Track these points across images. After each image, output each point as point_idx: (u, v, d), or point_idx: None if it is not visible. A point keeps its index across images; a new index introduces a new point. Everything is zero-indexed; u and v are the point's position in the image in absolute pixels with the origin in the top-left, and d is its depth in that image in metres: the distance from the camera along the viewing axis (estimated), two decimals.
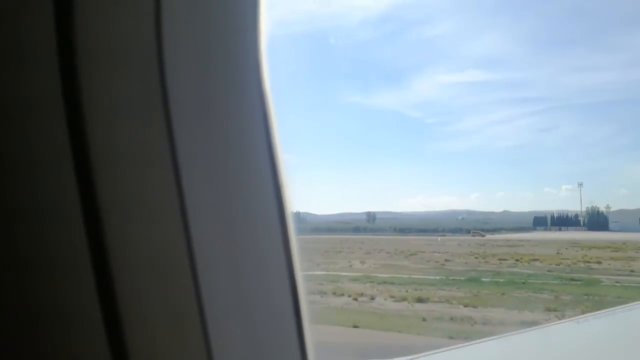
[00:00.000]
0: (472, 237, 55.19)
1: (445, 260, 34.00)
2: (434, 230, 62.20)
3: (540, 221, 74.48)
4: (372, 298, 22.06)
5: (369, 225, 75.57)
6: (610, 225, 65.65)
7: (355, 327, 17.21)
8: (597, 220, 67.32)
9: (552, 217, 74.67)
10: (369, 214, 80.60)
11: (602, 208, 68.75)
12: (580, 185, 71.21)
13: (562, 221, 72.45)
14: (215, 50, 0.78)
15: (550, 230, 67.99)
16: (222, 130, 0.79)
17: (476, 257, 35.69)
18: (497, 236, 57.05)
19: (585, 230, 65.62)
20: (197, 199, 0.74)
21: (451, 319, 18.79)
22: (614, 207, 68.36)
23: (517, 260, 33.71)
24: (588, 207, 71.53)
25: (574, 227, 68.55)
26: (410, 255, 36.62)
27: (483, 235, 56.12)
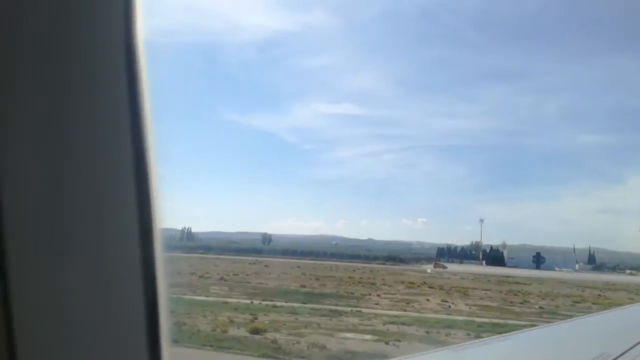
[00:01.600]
0: (435, 269, 56.51)
1: None
2: (316, 254, 63.89)
3: (442, 253, 77.09)
4: None
5: (264, 247, 76.54)
6: (507, 261, 69.54)
7: None
8: (494, 256, 70.69)
9: (451, 250, 77.93)
10: (264, 235, 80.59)
11: (495, 244, 72.91)
12: (482, 221, 74.95)
13: (463, 255, 75.61)
14: (74, 47, 0.71)
15: (453, 262, 70.38)
16: (78, 134, 0.72)
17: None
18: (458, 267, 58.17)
19: (484, 265, 68.97)
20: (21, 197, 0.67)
21: None
22: (462, 242, 73.77)
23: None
24: (473, 242, 76.08)
25: (475, 262, 71.79)
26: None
27: (444, 267, 57.39)
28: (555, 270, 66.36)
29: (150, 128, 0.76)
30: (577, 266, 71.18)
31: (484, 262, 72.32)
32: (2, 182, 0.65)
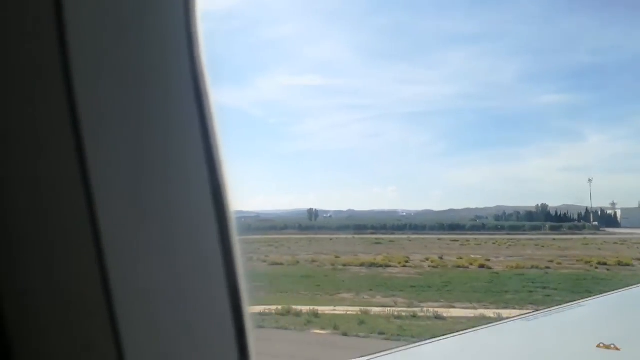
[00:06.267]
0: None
1: None
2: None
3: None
4: None
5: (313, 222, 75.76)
6: (621, 222, 65.35)
7: None
8: (608, 218, 66.84)
9: (551, 213, 73.76)
10: (310, 210, 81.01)
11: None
12: (590, 181, 71.16)
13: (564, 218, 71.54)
14: (138, 37, 0.72)
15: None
16: (151, 127, 0.73)
17: None
18: None
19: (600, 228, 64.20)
20: (115, 195, 0.69)
21: None
22: (438, 207, 72.05)
23: None
24: (538, 205, 72.17)
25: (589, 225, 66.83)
26: None
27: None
28: None
29: (214, 112, 0.77)
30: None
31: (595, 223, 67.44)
32: (93, 184, 0.67)
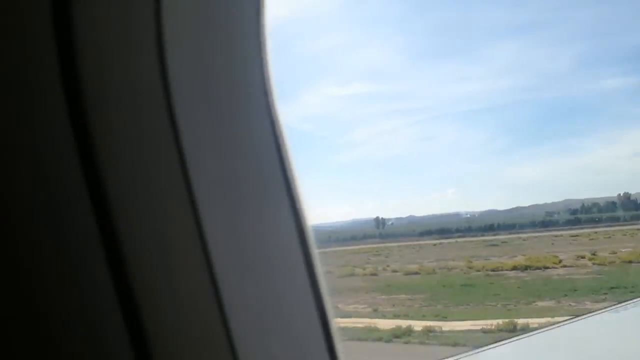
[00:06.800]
0: None
1: None
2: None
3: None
4: None
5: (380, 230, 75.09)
6: None
7: None
8: None
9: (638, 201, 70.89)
10: (377, 219, 79.74)
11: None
12: None
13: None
14: (217, 44, 0.75)
15: None
16: (228, 128, 0.76)
17: None
18: None
19: None
20: (208, 195, 0.72)
21: None
22: (503, 207, 70.67)
23: None
24: (620, 194, 69.23)
25: None
26: None
27: None
28: None
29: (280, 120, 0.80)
30: None
31: None
32: (197, 198, 0.72)
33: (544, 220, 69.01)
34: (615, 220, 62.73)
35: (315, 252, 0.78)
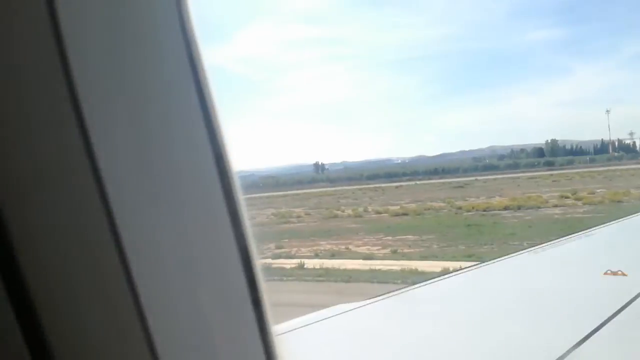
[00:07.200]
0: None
1: None
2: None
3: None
4: None
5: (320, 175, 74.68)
6: None
7: None
8: (626, 148, 69.11)
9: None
10: (316, 164, 79.07)
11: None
12: (608, 112, 72.72)
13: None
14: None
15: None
16: (146, 89, 0.72)
17: None
18: None
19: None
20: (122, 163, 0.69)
21: None
22: (430, 153, 75.55)
23: None
24: (548, 141, 74.46)
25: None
26: None
27: None
28: None
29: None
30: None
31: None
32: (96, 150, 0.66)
33: (490, 163, 70.66)
34: (550, 164, 65.86)
35: (241, 198, 0.75)
